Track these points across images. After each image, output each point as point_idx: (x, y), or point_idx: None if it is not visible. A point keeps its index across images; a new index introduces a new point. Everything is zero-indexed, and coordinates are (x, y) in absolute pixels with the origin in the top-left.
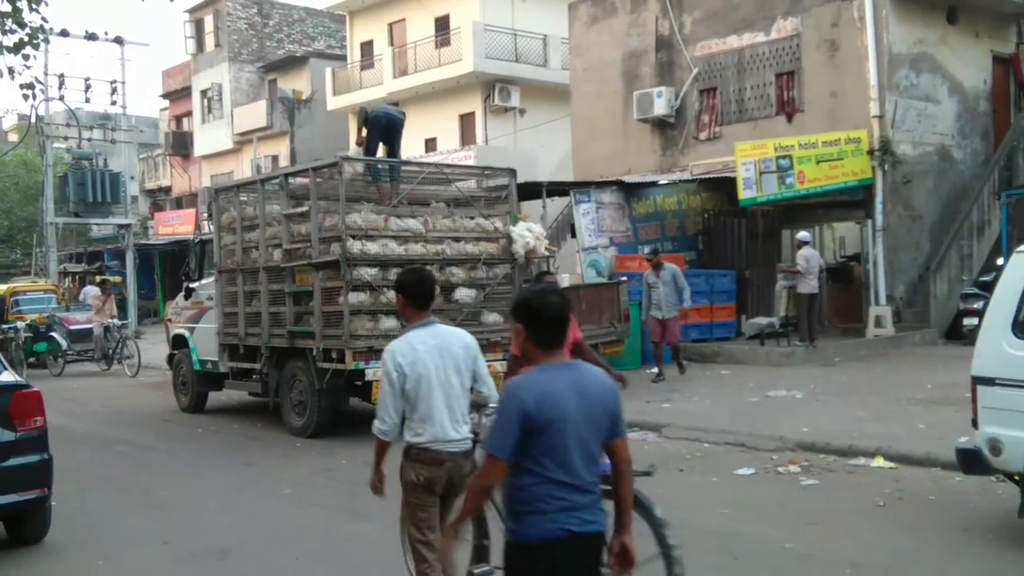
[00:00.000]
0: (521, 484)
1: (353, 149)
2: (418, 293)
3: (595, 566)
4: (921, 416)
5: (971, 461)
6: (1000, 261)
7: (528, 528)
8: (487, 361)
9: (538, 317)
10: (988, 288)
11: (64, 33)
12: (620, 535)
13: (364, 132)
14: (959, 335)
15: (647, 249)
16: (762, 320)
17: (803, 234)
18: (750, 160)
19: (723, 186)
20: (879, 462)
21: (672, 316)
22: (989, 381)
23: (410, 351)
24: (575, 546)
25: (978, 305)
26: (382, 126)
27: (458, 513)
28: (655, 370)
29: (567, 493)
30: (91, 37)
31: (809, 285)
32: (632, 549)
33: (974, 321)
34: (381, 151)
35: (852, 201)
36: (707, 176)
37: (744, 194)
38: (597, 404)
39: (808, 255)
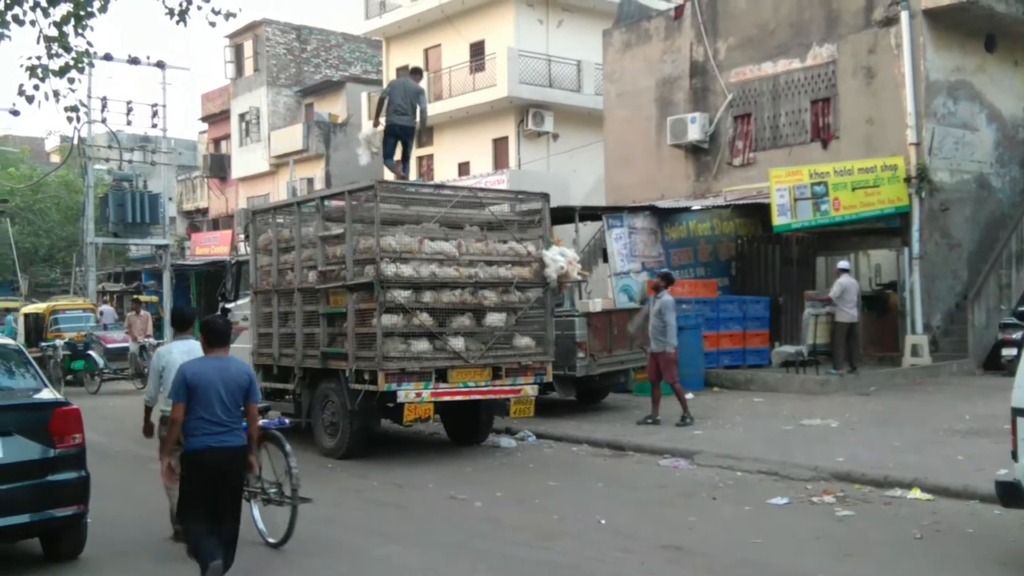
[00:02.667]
0: (188, 420)
1: (368, 129)
2: (180, 322)
3: (235, 468)
4: (959, 447)
5: (1011, 494)
6: None
7: (188, 444)
8: (519, 384)
9: (209, 331)
10: None
11: (108, 57)
12: (250, 454)
13: (379, 112)
14: (997, 365)
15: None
16: (790, 348)
17: (843, 263)
18: (784, 186)
19: (757, 212)
20: (916, 493)
21: (660, 351)
22: None
23: (168, 352)
24: (214, 453)
25: (1017, 335)
26: (395, 130)
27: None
28: (690, 395)
29: (209, 426)
30: (134, 61)
31: (847, 314)
32: (254, 461)
33: (1013, 351)
34: (398, 153)
35: (888, 228)
36: (741, 202)
37: (778, 220)
38: (232, 380)
39: (846, 284)
